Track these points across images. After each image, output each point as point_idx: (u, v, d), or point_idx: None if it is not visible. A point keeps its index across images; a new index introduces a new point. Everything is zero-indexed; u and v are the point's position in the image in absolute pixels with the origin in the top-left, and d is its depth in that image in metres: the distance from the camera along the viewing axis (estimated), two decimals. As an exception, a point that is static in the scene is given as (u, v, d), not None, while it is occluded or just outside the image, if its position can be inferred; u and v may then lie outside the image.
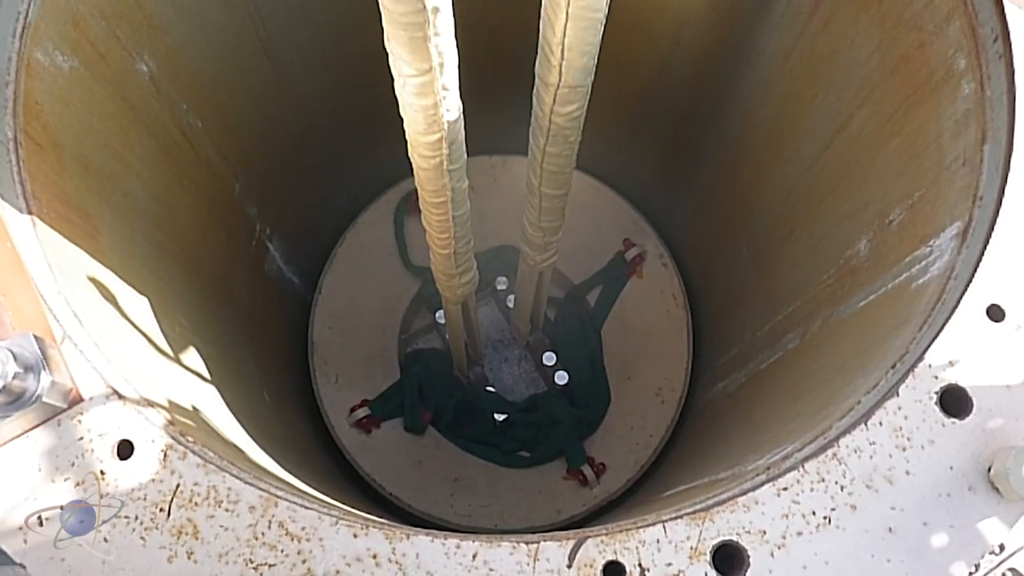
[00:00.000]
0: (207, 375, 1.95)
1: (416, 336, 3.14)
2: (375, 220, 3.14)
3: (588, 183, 3.13)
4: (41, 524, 1.24)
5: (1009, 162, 1.41)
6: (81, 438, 1.30)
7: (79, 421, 1.30)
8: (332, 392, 2.94)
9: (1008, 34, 1.45)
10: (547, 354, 3.06)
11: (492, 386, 3.07)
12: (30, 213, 1.42)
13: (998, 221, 1.39)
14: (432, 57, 1.21)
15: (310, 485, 1.80)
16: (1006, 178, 1.41)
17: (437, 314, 3.08)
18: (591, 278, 3.09)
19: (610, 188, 3.18)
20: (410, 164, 1.58)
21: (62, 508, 1.26)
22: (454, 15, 1.19)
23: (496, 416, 2.99)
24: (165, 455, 1.30)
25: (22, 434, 1.28)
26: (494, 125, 2.63)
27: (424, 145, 1.45)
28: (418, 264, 3.07)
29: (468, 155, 1.57)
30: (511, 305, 3.04)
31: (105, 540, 1.24)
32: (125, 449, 1.29)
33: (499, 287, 3.16)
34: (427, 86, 1.27)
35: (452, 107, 1.37)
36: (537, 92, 1.50)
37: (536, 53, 1.44)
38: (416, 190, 1.70)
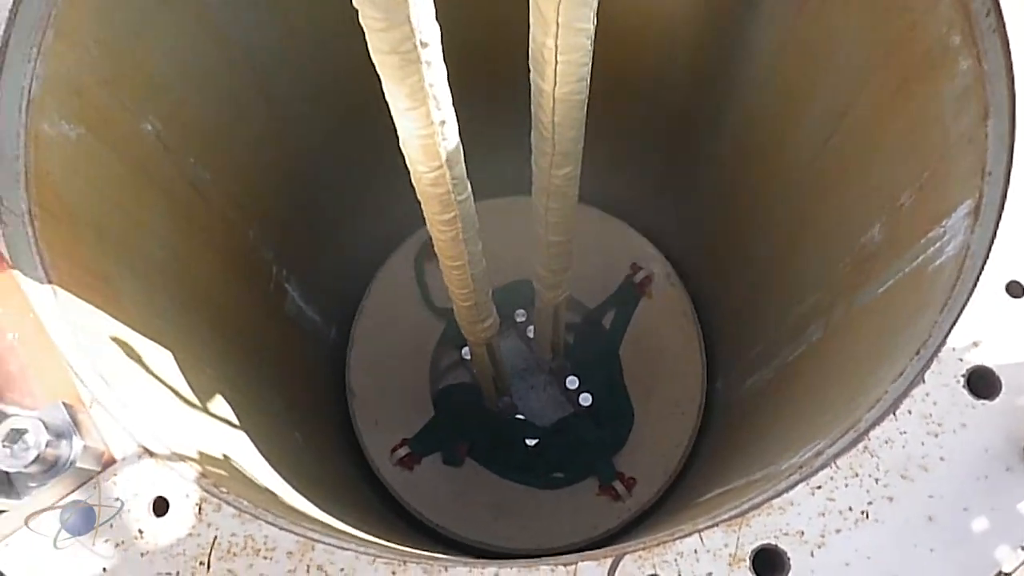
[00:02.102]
0: (237, 422, 1.97)
1: (446, 373, 3.25)
2: (398, 268, 3.33)
3: (594, 214, 3.28)
4: (85, 588, 1.27)
5: (1014, 135, 1.40)
6: (117, 499, 1.32)
7: (114, 483, 1.33)
8: (373, 435, 3.08)
9: (999, 6, 1.44)
10: (570, 378, 3.16)
11: (522, 413, 3.17)
12: (50, 283, 1.45)
13: (1008, 195, 1.38)
14: (441, 157, 1.41)
15: (356, 523, 1.81)
16: (1012, 151, 1.39)
17: (463, 350, 3.20)
18: (604, 302, 3.23)
19: (615, 216, 3.33)
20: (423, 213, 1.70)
21: (62, 508, 1.29)
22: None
23: (528, 441, 3.11)
24: (200, 508, 1.31)
25: (58, 501, 1.31)
26: (500, 173, 2.76)
27: (440, 222, 1.65)
28: (441, 306, 3.19)
29: (478, 199, 1.70)
30: (531, 335, 3.16)
31: (149, 598, 1.26)
32: (161, 506, 1.31)
33: (519, 319, 3.28)
34: (439, 179, 1.48)
35: (462, 191, 1.57)
36: (535, 159, 1.67)
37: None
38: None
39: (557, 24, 1.24)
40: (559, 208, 1.79)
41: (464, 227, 1.70)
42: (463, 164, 1.53)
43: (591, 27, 1.28)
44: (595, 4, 1.24)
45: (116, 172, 1.78)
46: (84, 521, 1.30)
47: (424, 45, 1.16)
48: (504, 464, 3.03)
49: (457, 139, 1.44)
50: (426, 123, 1.32)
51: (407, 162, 1.50)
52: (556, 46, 1.28)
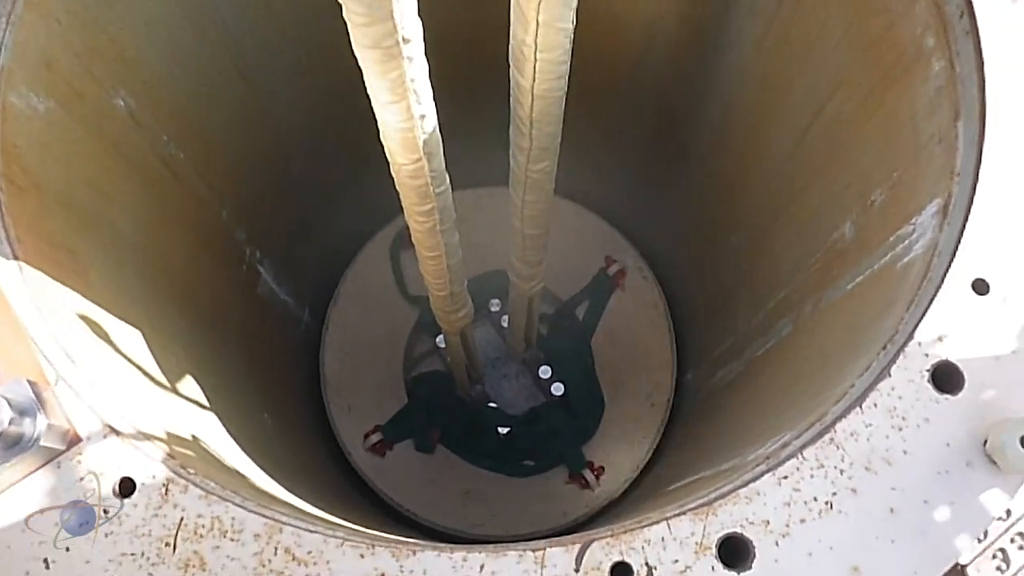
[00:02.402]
0: (206, 403, 1.95)
1: (419, 361, 3.27)
2: (373, 256, 3.34)
3: (570, 207, 3.33)
4: (47, 567, 1.25)
5: (983, 137, 1.42)
6: (81, 478, 1.30)
7: (78, 461, 1.31)
8: (346, 422, 3.09)
9: (973, 9, 1.46)
10: (543, 368, 3.20)
11: (494, 402, 3.20)
12: (15, 258, 1.42)
13: (976, 196, 1.40)
14: (420, 150, 1.43)
15: (326, 507, 1.81)
16: (981, 152, 1.42)
17: (437, 339, 3.22)
18: (578, 294, 3.26)
19: (590, 210, 3.37)
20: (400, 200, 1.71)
21: (62, 508, 1.27)
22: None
23: (500, 429, 3.13)
24: (166, 489, 1.30)
25: (22, 479, 1.29)
26: (477, 163, 2.75)
27: (418, 213, 1.67)
28: (415, 294, 3.21)
29: (455, 189, 1.71)
30: (505, 325, 3.18)
31: (112, 578, 1.25)
32: (126, 486, 1.30)
33: (493, 308, 3.31)
34: (418, 171, 1.51)
35: (440, 183, 1.60)
36: (513, 154, 1.69)
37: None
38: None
39: (537, 22, 1.25)
40: (535, 201, 1.82)
41: (441, 218, 1.72)
42: (442, 157, 1.54)
43: (570, 26, 1.28)
44: (575, 3, 1.24)
45: (86, 147, 1.75)
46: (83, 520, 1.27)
47: (406, 41, 1.16)
48: (475, 451, 3.05)
49: (436, 132, 1.45)
50: (406, 116, 1.33)
51: (387, 153, 1.51)
52: (536, 43, 1.29)
